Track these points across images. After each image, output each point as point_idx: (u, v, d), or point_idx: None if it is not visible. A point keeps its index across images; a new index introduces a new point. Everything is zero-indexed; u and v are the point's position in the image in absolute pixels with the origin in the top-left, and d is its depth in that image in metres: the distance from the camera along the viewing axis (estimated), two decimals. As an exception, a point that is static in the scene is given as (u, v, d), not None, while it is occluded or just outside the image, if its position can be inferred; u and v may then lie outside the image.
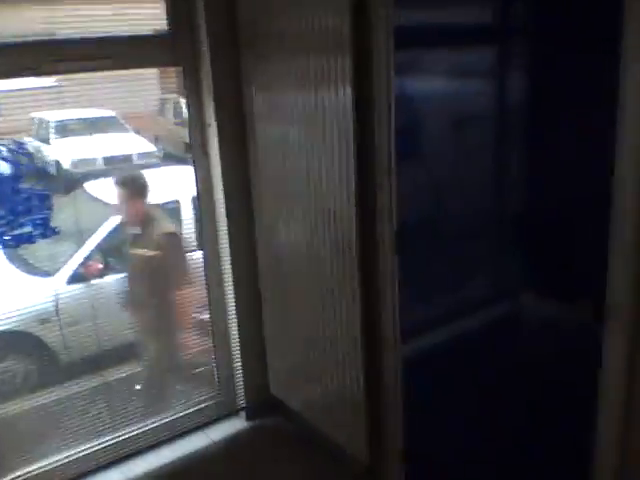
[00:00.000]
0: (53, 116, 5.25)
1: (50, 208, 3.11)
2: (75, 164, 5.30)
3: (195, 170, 3.36)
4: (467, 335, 2.65)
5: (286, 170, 3.07)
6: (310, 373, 3.32)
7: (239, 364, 3.65)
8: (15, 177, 3.01)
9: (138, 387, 3.73)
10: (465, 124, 2.45)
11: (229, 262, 3.46)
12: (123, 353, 3.66)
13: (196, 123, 3.29)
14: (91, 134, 5.59)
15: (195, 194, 3.41)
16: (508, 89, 2.33)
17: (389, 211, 2.64)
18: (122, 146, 5.46)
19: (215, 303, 3.58)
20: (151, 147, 5.88)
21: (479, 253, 2.55)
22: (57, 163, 5.16)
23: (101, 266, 3.89)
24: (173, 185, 4.21)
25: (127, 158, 5.41)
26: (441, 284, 2.68)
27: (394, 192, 2.60)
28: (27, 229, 3.06)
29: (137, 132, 5.67)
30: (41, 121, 5.35)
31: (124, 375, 3.68)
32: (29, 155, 3.01)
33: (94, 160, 5.25)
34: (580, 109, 2.04)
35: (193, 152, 3.33)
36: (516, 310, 2.53)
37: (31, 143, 4.17)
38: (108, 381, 3.52)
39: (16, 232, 3.03)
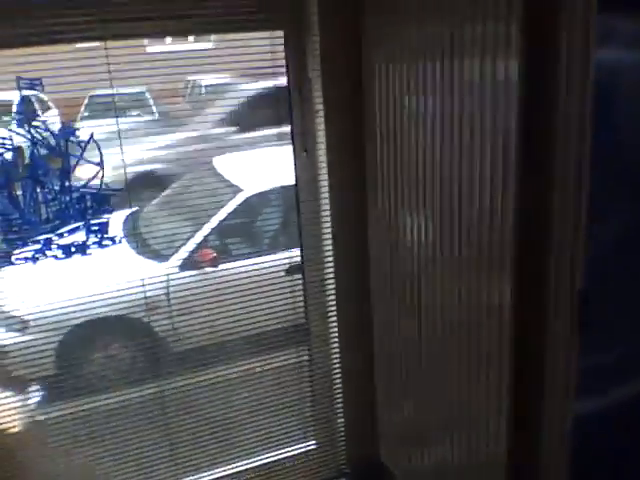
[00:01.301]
0: (205, 80, 5.01)
1: (109, 212, 2.48)
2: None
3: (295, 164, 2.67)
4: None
5: (413, 168, 2.33)
6: (432, 440, 2.59)
7: (342, 420, 2.96)
8: (64, 171, 2.38)
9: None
10: None
11: (333, 280, 2.77)
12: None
13: (297, 107, 2.57)
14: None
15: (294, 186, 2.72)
16: None
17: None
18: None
19: (316, 340, 2.87)
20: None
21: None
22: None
23: (214, 255, 3.55)
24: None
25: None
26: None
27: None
28: (79, 237, 2.45)
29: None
30: (194, 84, 5.15)
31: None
32: (82, 143, 2.38)
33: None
34: None
35: (294, 145, 2.63)
36: None
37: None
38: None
39: (65, 241, 2.43)
